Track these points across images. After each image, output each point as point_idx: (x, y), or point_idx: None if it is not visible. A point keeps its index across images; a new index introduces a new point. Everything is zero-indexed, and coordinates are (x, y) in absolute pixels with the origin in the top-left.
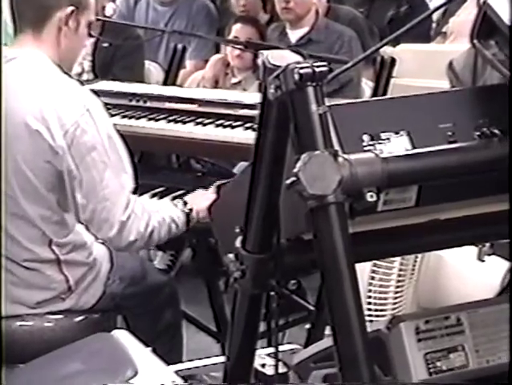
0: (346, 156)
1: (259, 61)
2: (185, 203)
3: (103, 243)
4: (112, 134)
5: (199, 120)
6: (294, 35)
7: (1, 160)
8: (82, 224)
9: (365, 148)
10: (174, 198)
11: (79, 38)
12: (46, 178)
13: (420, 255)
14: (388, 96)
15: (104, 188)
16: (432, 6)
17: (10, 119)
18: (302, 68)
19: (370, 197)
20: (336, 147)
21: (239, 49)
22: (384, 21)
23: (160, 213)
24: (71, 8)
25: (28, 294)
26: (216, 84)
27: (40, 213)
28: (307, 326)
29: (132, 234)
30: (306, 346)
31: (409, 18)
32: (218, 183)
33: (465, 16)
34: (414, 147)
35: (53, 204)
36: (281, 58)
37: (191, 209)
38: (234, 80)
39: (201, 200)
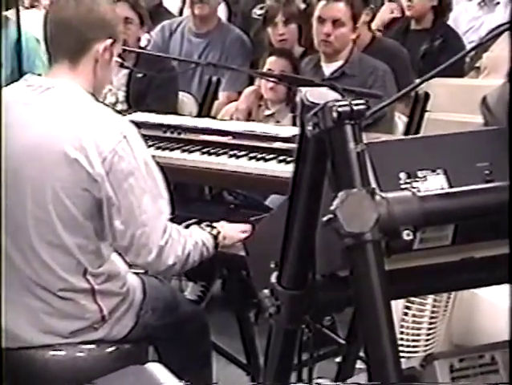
0: (383, 194)
1: (297, 98)
2: (212, 226)
3: (136, 273)
4: (148, 160)
5: (232, 152)
6: (328, 69)
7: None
8: (117, 253)
9: (402, 186)
10: None
11: (111, 69)
12: (85, 206)
13: (453, 292)
14: (425, 134)
15: (142, 214)
16: (465, 39)
17: (48, 148)
18: (340, 106)
19: (406, 236)
20: (373, 185)
21: (273, 82)
22: (418, 55)
23: (193, 237)
24: (110, 40)
25: (62, 324)
26: (249, 116)
27: (77, 242)
28: (338, 359)
29: (170, 258)
30: (336, 380)
31: (443, 52)
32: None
33: (499, 51)
34: (451, 186)
35: (90, 232)
36: (319, 95)
37: (218, 233)
38: (267, 112)
39: (228, 226)
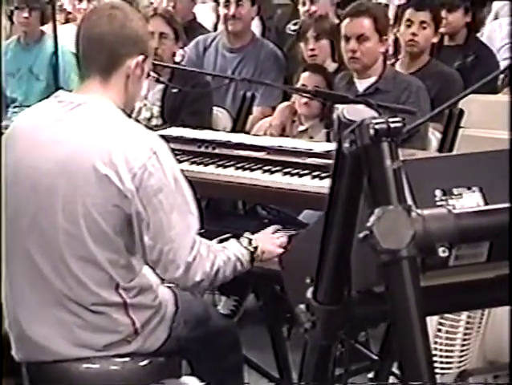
0: (419, 211)
1: (334, 115)
2: (250, 240)
3: (168, 286)
4: (178, 176)
5: (267, 168)
6: (361, 85)
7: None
8: (149, 266)
9: (437, 204)
10: None
11: (141, 84)
12: (115, 222)
13: (486, 309)
14: (461, 152)
15: (171, 230)
16: (499, 56)
17: (79, 164)
18: (377, 124)
19: (442, 252)
20: (409, 202)
21: (307, 97)
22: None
23: (226, 252)
24: (142, 56)
25: (95, 338)
26: (283, 132)
27: (108, 257)
28: (370, 375)
29: (197, 274)
30: None
31: (476, 69)
32: (288, 233)
33: None
34: (486, 204)
35: (121, 247)
36: (356, 112)
37: (256, 248)
38: (301, 128)
39: (266, 241)
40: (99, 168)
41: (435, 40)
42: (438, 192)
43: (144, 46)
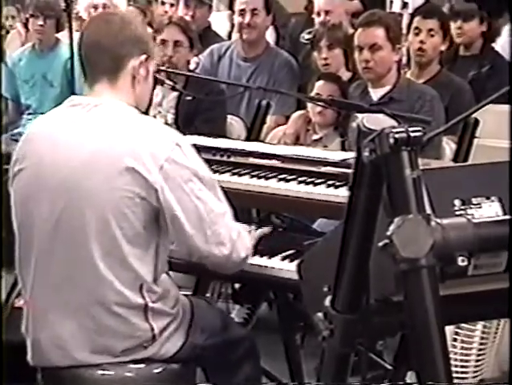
0: (438, 220)
1: (354, 124)
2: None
3: (185, 295)
4: (203, 166)
5: (281, 176)
6: (375, 94)
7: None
8: (167, 274)
9: (456, 213)
10: None
11: (148, 84)
12: (143, 215)
13: (503, 319)
14: (480, 162)
15: (209, 213)
16: None
17: (104, 161)
18: (397, 133)
19: (461, 261)
20: (428, 211)
21: (322, 106)
22: (466, 81)
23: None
24: (144, 56)
25: (113, 343)
26: (297, 140)
27: (135, 253)
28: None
29: (243, 251)
30: None
31: (491, 79)
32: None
33: None
34: (505, 213)
35: (148, 243)
36: (375, 121)
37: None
38: (315, 137)
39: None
40: (126, 162)
41: (443, 48)
42: (457, 202)
43: (145, 46)
